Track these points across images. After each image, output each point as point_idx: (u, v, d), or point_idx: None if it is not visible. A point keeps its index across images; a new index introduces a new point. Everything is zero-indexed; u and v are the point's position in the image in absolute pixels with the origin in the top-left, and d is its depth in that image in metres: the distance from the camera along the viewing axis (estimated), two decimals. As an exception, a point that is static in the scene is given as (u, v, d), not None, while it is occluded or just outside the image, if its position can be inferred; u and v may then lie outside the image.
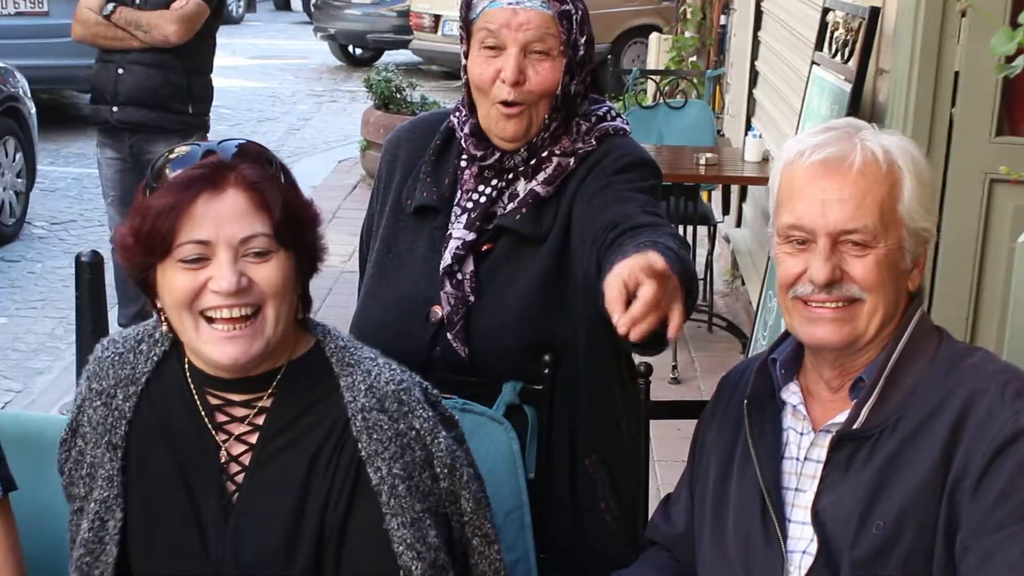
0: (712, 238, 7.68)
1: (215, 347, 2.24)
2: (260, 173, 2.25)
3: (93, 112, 6.65)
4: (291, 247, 2.26)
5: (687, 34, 11.09)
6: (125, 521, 2.36)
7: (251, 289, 2.22)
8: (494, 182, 2.84)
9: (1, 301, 7.88)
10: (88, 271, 4.49)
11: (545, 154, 2.82)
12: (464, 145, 2.86)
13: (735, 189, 8.15)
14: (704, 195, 7.99)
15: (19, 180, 9.27)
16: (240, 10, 21.71)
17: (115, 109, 6.44)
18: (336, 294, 6.95)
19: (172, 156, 2.30)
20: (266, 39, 20.58)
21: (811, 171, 2.29)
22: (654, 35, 12.63)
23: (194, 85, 6.53)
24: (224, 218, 2.21)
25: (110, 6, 6.36)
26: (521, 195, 2.83)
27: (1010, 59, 2.48)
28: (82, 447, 2.42)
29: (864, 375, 2.31)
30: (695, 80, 9.57)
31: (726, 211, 8.29)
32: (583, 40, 2.77)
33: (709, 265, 7.56)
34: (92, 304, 4.49)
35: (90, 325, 4.37)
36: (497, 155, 2.82)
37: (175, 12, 6.32)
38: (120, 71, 6.42)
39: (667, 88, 9.19)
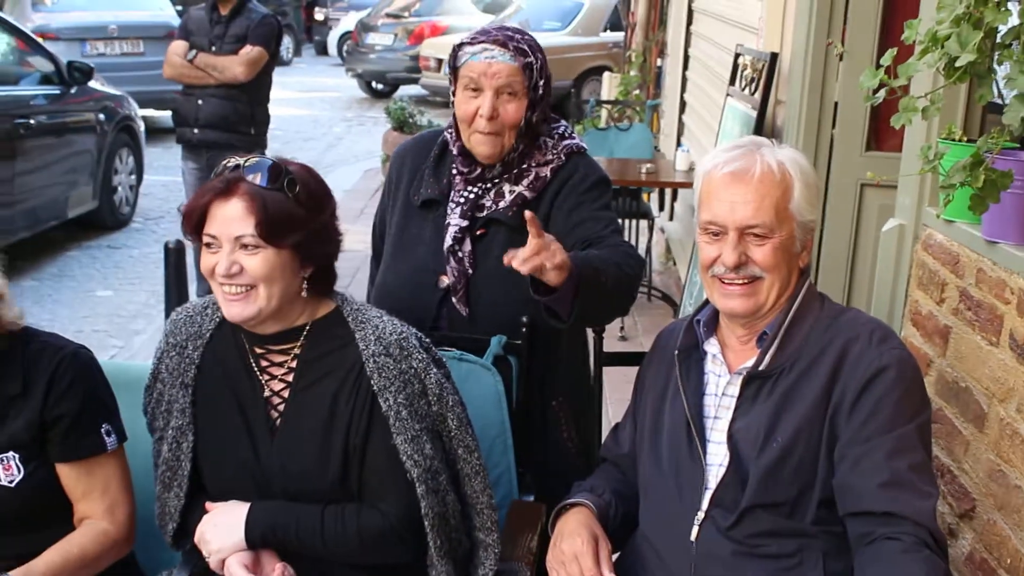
0: (651, 229, 7.54)
1: (225, 308, 2.27)
2: (260, 187, 2.24)
3: (179, 133, 6.60)
4: (277, 244, 2.23)
5: (632, 73, 10.93)
6: (195, 443, 2.36)
7: (242, 273, 2.23)
8: (478, 185, 2.81)
9: (108, 278, 7.78)
10: (173, 255, 4.41)
11: (525, 166, 2.79)
12: (456, 158, 2.82)
13: (668, 192, 8.02)
14: (645, 196, 7.88)
15: (131, 183, 9.22)
16: (290, 55, 21.44)
17: (196, 131, 6.44)
18: (363, 272, 6.89)
19: (230, 163, 2.31)
20: (309, 77, 20.35)
21: (723, 180, 2.27)
22: (606, 74, 12.47)
23: (256, 112, 6.52)
24: (227, 219, 2.23)
25: (192, 52, 6.36)
26: (509, 196, 2.79)
27: (875, 91, 2.45)
28: (161, 389, 2.41)
29: (767, 329, 2.28)
30: (638, 108, 9.42)
31: (661, 208, 8.20)
32: (542, 82, 2.74)
33: (648, 250, 7.42)
34: (176, 281, 4.41)
35: (174, 297, 4.33)
36: (479, 170, 2.79)
37: (243, 57, 6.33)
38: (200, 101, 6.41)
39: (616, 114, 9.08)
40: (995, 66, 2.24)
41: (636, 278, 2.71)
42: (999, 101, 2.41)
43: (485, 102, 2.67)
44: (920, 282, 3.07)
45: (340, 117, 16.14)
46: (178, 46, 6.48)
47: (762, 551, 2.20)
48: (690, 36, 8.19)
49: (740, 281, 2.26)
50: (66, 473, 2.36)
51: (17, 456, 2.29)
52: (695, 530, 2.26)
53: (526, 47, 2.72)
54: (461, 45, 2.75)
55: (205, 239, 2.25)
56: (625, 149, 7.86)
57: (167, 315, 4.35)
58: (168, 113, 8.17)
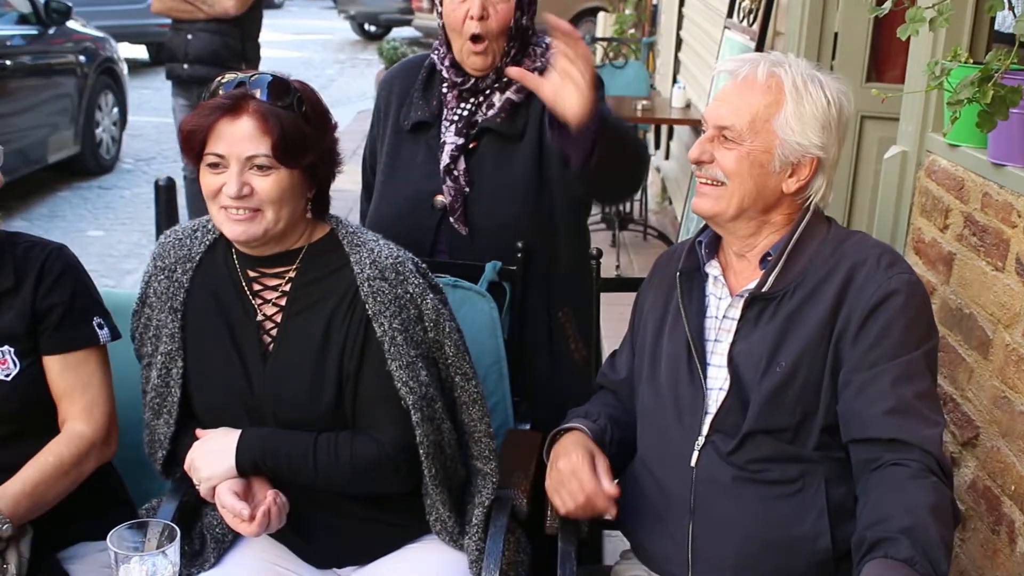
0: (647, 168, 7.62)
1: (227, 227, 2.21)
2: (271, 104, 2.19)
3: (168, 68, 6.59)
4: (291, 165, 2.19)
5: (627, 12, 10.94)
6: (185, 369, 2.33)
7: (252, 196, 2.18)
8: (472, 99, 2.79)
9: (99, 219, 7.77)
10: (164, 193, 4.39)
11: None
12: (446, 75, 2.79)
13: (664, 129, 8.08)
14: (640, 134, 7.91)
15: (114, 126, 9.13)
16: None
17: (186, 66, 6.45)
18: (354, 211, 6.92)
19: (223, 80, 2.24)
20: (300, 20, 20.30)
21: (720, 80, 2.36)
22: (601, 13, 12.52)
23: (247, 48, 6.53)
24: (236, 138, 2.16)
25: None
26: (498, 104, 2.77)
27: (880, 2, 2.39)
28: (149, 314, 2.37)
29: (771, 251, 2.24)
30: (633, 46, 9.47)
31: (657, 146, 8.23)
32: None
33: (644, 189, 7.44)
34: (167, 218, 4.40)
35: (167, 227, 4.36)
36: (472, 80, 2.76)
37: None
38: (190, 36, 6.42)
39: (612, 53, 9.10)
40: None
41: (645, 156, 2.75)
42: (1013, 14, 2.35)
43: (473, 4, 2.64)
44: (923, 209, 3.05)
45: (333, 59, 16.12)
46: None
47: (763, 476, 2.18)
48: None
49: (706, 180, 2.25)
50: (53, 367, 2.33)
51: (12, 350, 2.28)
52: (695, 455, 2.24)
53: None
54: None
55: (209, 159, 2.18)
56: (621, 87, 7.86)
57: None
58: (142, 48, 8.08)
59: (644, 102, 7.02)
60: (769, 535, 2.17)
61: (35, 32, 8.01)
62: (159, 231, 4.41)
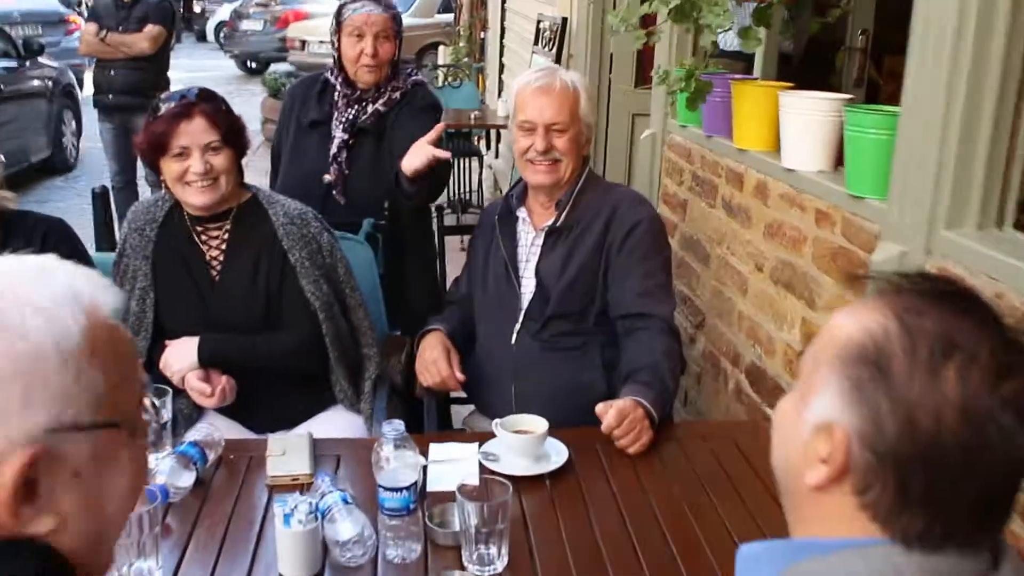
0: (480, 165, 7.78)
1: (194, 198, 2.40)
2: (212, 107, 2.41)
3: (96, 99, 6.46)
4: (231, 146, 2.42)
5: (461, 44, 11.12)
6: (156, 299, 2.50)
7: (212, 171, 2.38)
8: (355, 107, 3.06)
9: (68, 202, 7.89)
10: (99, 199, 4.44)
11: (383, 89, 3.06)
12: (339, 88, 3.06)
13: (493, 134, 8.27)
14: (475, 139, 8.13)
15: (73, 136, 9.50)
16: (174, 41, 20.77)
17: (110, 96, 6.36)
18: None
19: (163, 98, 2.43)
20: (192, 60, 19.64)
21: (534, 92, 2.49)
22: (441, 47, 12.61)
23: (160, 80, 6.43)
24: (194, 133, 2.36)
25: (103, 32, 6.27)
26: (369, 111, 3.05)
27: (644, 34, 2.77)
28: (126, 263, 2.51)
29: (562, 198, 2.51)
30: (466, 71, 9.68)
31: (488, 147, 8.48)
32: (401, 28, 3.04)
33: (480, 183, 7.72)
34: (103, 214, 4.42)
35: (103, 233, 4.33)
36: (358, 92, 3.05)
37: (147, 34, 6.28)
38: (112, 72, 6.34)
39: (450, 77, 9.30)
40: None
41: (444, 174, 3.08)
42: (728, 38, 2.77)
43: (367, 44, 2.95)
44: (667, 172, 3.47)
45: (222, 91, 15.31)
46: (91, 27, 6.35)
47: (559, 346, 2.50)
48: (504, 12, 8.40)
49: (545, 162, 2.48)
50: None
51: None
52: (515, 336, 2.53)
53: (391, 2, 3.03)
54: (344, 5, 3.02)
55: (175, 150, 2.37)
56: (458, 102, 8.04)
57: (96, 245, 4.42)
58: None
59: (476, 113, 7.27)
60: (565, 384, 2.46)
61: (15, 65, 8.50)
62: (97, 230, 4.52)
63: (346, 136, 3.05)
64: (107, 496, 0.88)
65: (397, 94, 3.08)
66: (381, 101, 3.06)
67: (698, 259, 3.17)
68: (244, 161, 2.55)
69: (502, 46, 8.56)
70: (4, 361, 0.81)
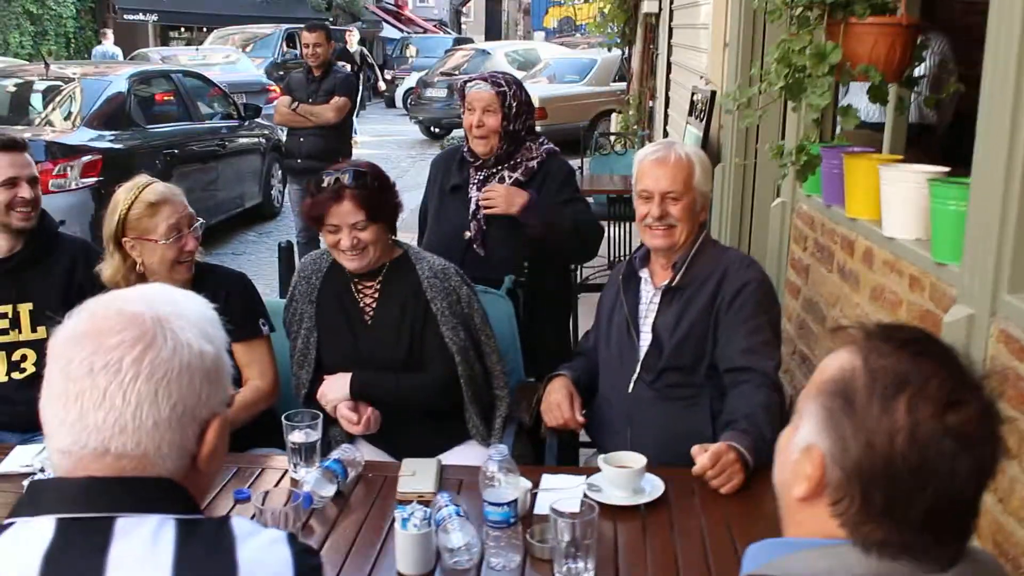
0: None
1: (347, 264, 2.69)
2: (360, 190, 2.63)
3: (286, 164, 7.10)
4: (379, 221, 2.66)
5: (631, 112, 11.36)
6: (318, 338, 2.78)
7: (359, 243, 2.64)
8: (483, 173, 3.36)
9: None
10: (284, 252, 5.14)
11: (517, 160, 3.33)
12: (467, 157, 3.38)
13: None
14: None
15: (281, 185, 10.35)
16: (358, 109, 21.77)
17: (299, 160, 6.84)
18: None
19: (324, 174, 2.70)
20: (380, 124, 20.48)
21: (651, 163, 2.65)
22: (614, 114, 12.96)
23: (342, 147, 6.89)
24: (343, 214, 2.62)
25: (294, 104, 6.78)
26: (508, 180, 3.32)
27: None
28: (295, 306, 2.83)
29: (678, 260, 2.65)
30: (634, 138, 9.86)
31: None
32: (515, 104, 3.30)
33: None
34: (286, 267, 5.05)
35: (286, 277, 4.85)
36: (479, 161, 3.36)
37: (333, 105, 6.77)
38: (302, 139, 6.83)
39: (618, 144, 9.54)
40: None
41: (590, 235, 3.30)
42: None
43: (476, 117, 3.27)
44: (794, 238, 3.59)
45: (406, 154, 16.28)
46: (284, 100, 6.93)
47: (672, 395, 2.65)
48: (669, 82, 8.63)
49: (662, 227, 2.63)
50: (238, 350, 2.75)
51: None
52: (631, 386, 2.68)
53: (501, 81, 3.30)
54: (466, 83, 3.35)
55: (329, 228, 2.65)
56: (623, 168, 8.29)
57: (280, 292, 4.91)
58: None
59: (638, 179, 7.51)
60: (676, 430, 2.57)
61: (237, 124, 9.67)
62: (280, 272, 5.08)
63: (480, 195, 3.34)
64: (223, 451, 1.28)
65: (534, 163, 3.36)
66: (520, 171, 3.34)
67: (816, 320, 3.27)
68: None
69: (666, 115, 8.74)
70: (207, 360, 1.22)
